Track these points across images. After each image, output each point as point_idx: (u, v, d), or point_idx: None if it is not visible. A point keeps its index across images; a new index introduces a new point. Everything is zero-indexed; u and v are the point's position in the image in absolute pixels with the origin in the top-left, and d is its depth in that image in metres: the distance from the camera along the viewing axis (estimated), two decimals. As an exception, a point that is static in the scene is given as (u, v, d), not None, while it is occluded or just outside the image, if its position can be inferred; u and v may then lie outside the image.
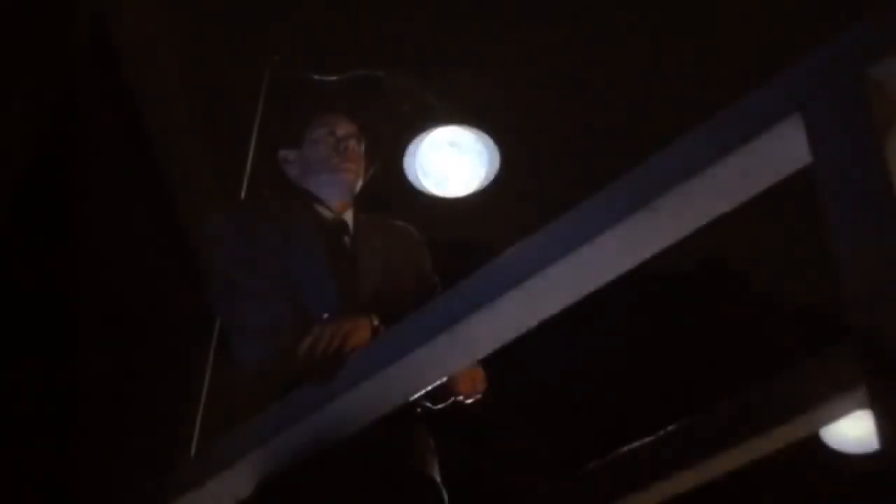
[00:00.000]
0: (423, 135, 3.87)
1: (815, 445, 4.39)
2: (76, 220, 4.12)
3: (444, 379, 2.30)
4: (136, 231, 4.85)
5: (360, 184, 2.91)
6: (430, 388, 2.23)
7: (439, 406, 2.61)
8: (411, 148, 3.88)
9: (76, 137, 4.17)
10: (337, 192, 2.85)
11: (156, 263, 5.04)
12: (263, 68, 4.42)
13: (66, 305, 3.98)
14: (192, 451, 3.74)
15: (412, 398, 2.29)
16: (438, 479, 2.55)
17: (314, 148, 2.89)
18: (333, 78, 4.15)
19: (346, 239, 2.79)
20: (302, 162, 2.91)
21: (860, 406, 2.22)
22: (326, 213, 2.84)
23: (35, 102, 3.89)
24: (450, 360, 2.14)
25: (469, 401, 2.61)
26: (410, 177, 3.97)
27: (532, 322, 2.01)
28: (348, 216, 2.87)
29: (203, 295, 4.74)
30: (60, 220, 4.00)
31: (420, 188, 4.01)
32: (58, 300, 3.92)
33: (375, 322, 2.37)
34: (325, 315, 2.45)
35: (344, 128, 2.91)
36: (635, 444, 2.58)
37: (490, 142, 3.90)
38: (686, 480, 2.50)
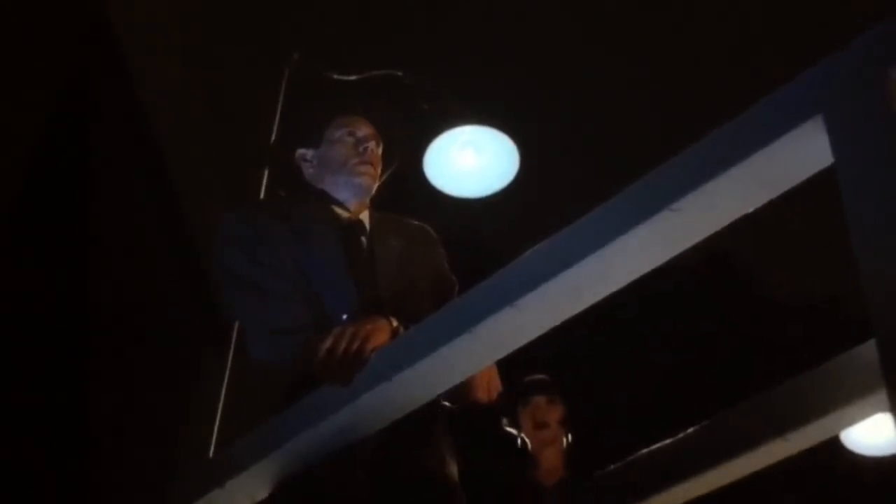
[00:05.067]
0: (442, 134, 3.86)
1: (835, 449, 4.36)
2: (83, 220, 4.13)
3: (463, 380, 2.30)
4: (143, 233, 4.86)
5: (376, 185, 2.91)
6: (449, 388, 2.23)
7: (457, 406, 2.60)
8: (430, 148, 3.88)
9: (82, 136, 4.18)
10: (354, 193, 2.85)
11: (163, 264, 5.05)
12: (279, 66, 4.41)
13: (75, 307, 4.00)
14: (211, 451, 3.74)
15: (432, 399, 2.28)
16: (457, 479, 2.55)
17: (333, 148, 2.89)
18: (352, 77, 4.14)
19: (363, 239, 2.79)
20: (320, 161, 2.91)
21: (880, 410, 2.22)
22: (343, 214, 2.83)
23: (42, 101, 3.91)
24: (470, 360, 2.14)
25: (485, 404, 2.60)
26: (429, 177, 3.96)
27: (552, 323, 2.01)
28: (364, 217, 2.87)
29: (215, 297, 4.77)
30: (67, 221, 4.02)
31: (439, 188, 4.00)
32: (66, 302, 3.93)
33: (395, 323, 2.36)
34: (345, 316, 2.45)
35: (363, 129, 2.91)
36: (655, 447, 2.58)
37: (509, 142, 3.88)
38: (705, 483, 2.50)
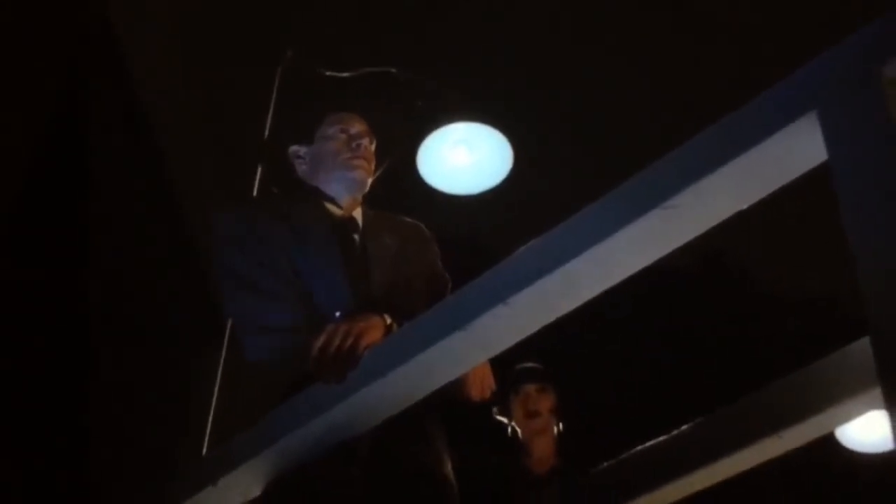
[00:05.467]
0: (436, 131, 3.85)
1: (830, 445, 4.35)
2: (83, 220, 4.13)
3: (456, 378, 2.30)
4: (143, 233, 4.86)
5: (370, 181, 2.91)
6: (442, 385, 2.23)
7: (451, 402, 2.60)
8: (423, 145, 3.87)
9: (82, 137, 4.18)
10: (347, 188, 2.85)
11: (163, 264, 5.04)
12: (272, 64, 4.42)
13: (75, 307, 3.99)
14: (205, 449, 3.74)
15: (425, 396, 2.28)
16: (452, 476, 2.55)
17: (326, 145, 2.88)
18: (345, 74, 4.14)
19: (356, 237, 2.79)
20: (312, 158, 2.90)
21: (875, 406, 2.21)
22: (336, 211, 2.83)
23: (42, 101, 3.91)
24: (463, 358, 2.14)
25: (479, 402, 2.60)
26: (423, 174, 3.95)
27: (546, 320, 2.01)
28: (357, 214, 2.86)
29: (211, 295, 4.77)
30: (67, 221, 4.01)
31: (432, 185, 3.99)
32: (66, 302, 3.93)
33: (388, 320, 2.36)
34: (338, 313, 2.45)
35: (356, 126, 2.91)
36: (649, 444, 2.58)
37: (503, 138, 3.88)
38: (700, 480, 2.50)
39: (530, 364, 4.14)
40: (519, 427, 4.04)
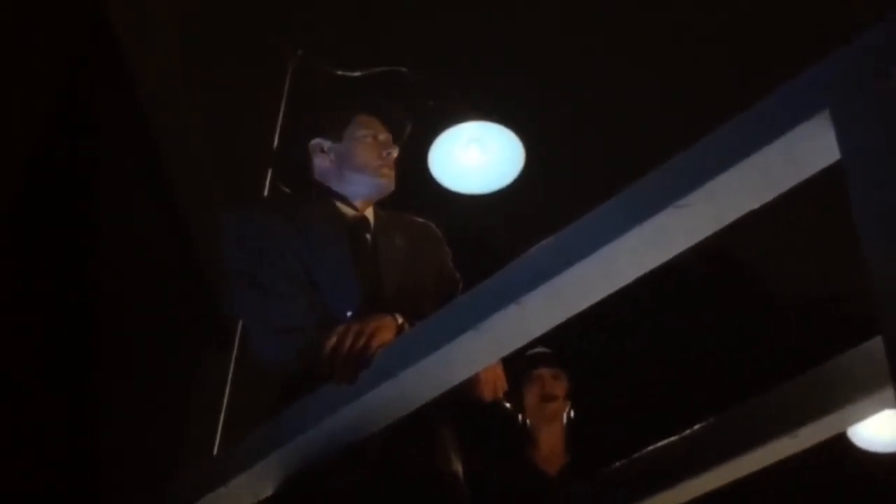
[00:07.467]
0: (447, 131, 3.85)
1: (842, 445, 4.35)
2: (83, 221, 4.13)
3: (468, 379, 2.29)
4: (143, 234, 4.86)
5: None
6: (454, 385, 2.23)
7: (463, 403, 2.60)
8: (435, 144, 3.87)
9: (82, 137, 4.18)
10: (371, 192, 2.86)
11: (163, 265, 5.04)
12: (279, 66, 4.42)
13: (75, 308, 3.99)
14: (216, 449, 3.74)
15: (437, 396, 2.28)
16: (462, 476, 2.55)
17: (357, 146, 2.88)
18: (357, 73, 4.14)
19: (368, 237, 2.79)
20: (338, 156, 2.89)
21: (888, 405, 2.21)
22: (347, 211, 2.83)
23: (42, 101, 3.90)
24: (474, 358, 2.13)
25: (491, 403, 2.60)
26: (434, 174, 3.95)
27: (559, 319, 2.00)
28: (369, 214, 2.87)
29: (212, 294, 4.77)
30: (67, 221, 4.01)
31: (444, 185, 3.99)
32: (67, 303, 3.93)
33: (400, 320, 2.36)
34: (350, 313, 2.45)
35: (384, 133, 2.92)
36: (660, 444, 2.58)
37: (514, 138, 3.87)
38: (711, 480, 2.49)
39: (542, 349, 4.07)
40: (532, 413, 3.97)
